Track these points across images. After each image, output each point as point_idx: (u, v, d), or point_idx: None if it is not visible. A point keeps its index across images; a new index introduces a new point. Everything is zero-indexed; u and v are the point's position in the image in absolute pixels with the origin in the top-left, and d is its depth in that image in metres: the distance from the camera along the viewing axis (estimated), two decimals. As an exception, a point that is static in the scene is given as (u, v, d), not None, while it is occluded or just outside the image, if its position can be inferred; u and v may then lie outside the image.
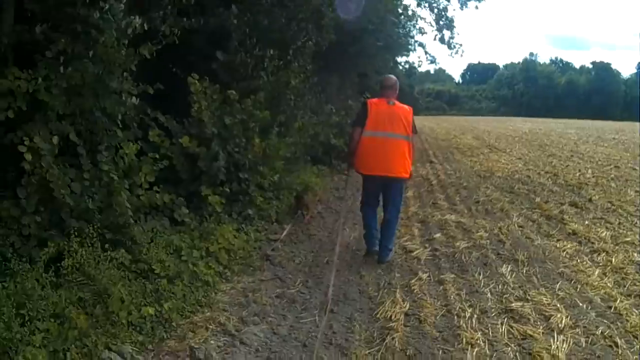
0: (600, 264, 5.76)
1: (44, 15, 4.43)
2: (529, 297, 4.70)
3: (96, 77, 4.55)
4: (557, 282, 5.12)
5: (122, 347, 3.43)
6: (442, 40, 24.48)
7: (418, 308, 4.46)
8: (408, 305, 4.49)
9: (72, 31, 4.47)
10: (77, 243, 4.01)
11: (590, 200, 9.46)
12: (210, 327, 3.91)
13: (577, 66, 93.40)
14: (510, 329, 4.07)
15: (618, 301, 4.64)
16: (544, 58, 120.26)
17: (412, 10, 23.10)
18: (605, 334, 4.02)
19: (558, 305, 4.52)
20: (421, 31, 26.51)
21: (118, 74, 4.80)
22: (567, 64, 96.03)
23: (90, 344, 3.37)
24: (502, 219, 7.80)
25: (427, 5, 23.59)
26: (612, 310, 4.50)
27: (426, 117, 51.28)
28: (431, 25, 24.49)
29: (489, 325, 4.14)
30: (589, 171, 13.42)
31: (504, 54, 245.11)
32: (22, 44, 4.37)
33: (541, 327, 4.11)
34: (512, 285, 5.00)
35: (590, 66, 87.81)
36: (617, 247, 6.38)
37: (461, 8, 24.10)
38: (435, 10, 23.77)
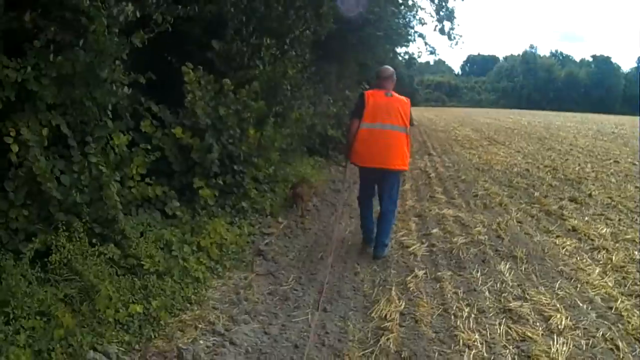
0: (601, 262, 5.67)
1: (32, 3, 4.29)
2: (527, 296, 4.61)
3: (87, 66, 4.41)
4: (557, 281, 5.02)
5: (108, 347, 3.34)
6: (442, 31, 24.40)
7: (414, 307, 4.36)
8: (404, 304, 4.38)
9: (61, 19, 4.33)
10: (65, 237, 3.93)
11: (589, 195, 9.37)
12: (200, 326, 3.81)
13: (577, 59, 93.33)
14: (509, 330, 3.97)
15: (619, 301, 4.55)
16: (544, 50, 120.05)
17: (413, 1, 22.90)
18: (607, 336, 3.93)
19: (558, 305, 4.43)
20: (421, 22, 26.50)
21: (109, 63, 4.65)
22: (567, 56, 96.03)
23: (75, 343, 3.29)
24: (501, 213, 7.70)
25: (427, -4, 23.40)
26: (612, 310, 4.41)
27: (425, 109, 51.27)
28: (431, 16, 24.40)
29: (487, 325, 4.04)
30: (589, 165, 13.33)
31: (504, 45, 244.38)
32: (10, 32, 4.21)
33: (540, 328, 4.02)
34: (510, 284, 4.90)
35: (591, 59, 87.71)
36: (617, 245, 6.28)
37: (462, -1, 23.93)
38: (436, 1, 23.61)
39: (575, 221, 7.33)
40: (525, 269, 5.35)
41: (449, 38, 24.57)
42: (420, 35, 29.22)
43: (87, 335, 3.38)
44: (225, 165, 6.34)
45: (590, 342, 3.84)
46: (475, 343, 3.75)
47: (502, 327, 4.00)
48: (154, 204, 5.29)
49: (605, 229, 6.98)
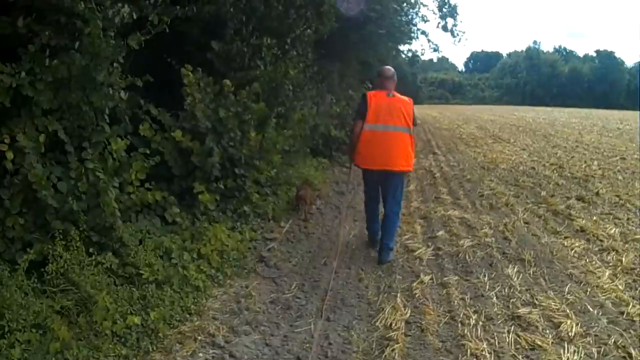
0: (610, 264, 5.54)
1: (26, 7, 4.20)
2: (536, 302, 4.48)
3: (83, 69, 4.32)
4: (566, 285, 4.90)
5: (104, 362, 3.23)
6: (445, 27, 24.22)
7: (420, 315, 4.24)
8: (409, 312, 4.26)
9: (56, 22, 4.26)
10: (62, 246, 3.86)
11: (597, 194, 9.24)
12: (199, 338, 3.71)
13: (581, 54, 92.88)
14: (518, 338, 3.85)
15: (630, 306, 4.42)
16: (547, 46, 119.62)
17: (415, -2, 22.74)
18: (618, 343, 3.80)
19: (567, 310, 4.30)
20: (424, 19, 26.30)
21: (106, 66, 4.55)
22: (571, 52, 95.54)
23: (71, 357, 3.23)
24: (507, 214, 7.57)
25: (430, -8, 23.26)
26: (624, 316, 4.28)
27: (429, 106, 51.12)
28: (434, 13, 24.28)
29: (495, 333, 3.92)
30: (595, 163, 13.19)
31: (508, 41, 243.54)
32: (4, 37, 4.13)
33: (550, 335, 3.90)
34: (518, 289, 4.77)
35: (594, 54, 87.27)
36: (626, 246, 6.16)
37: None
38: (438, -2, 23.42)
39: (583, 221, 7.20)
40: (533, 272, 5.23)
41: (452, 35, 24.44)
42: (423, 33, 28.95)
43: (84, 348, 3.30)
44: (226, 169, 6.24)
45: (602, 350, 3.71)
46: (483, 353, 3.62)
47: (510, 335, 3.87)
48: (154, 210, 5.21)
49: (614, 229, 6.85)
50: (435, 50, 37.65)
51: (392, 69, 5.84)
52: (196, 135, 5.93)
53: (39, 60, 4.11)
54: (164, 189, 5.38)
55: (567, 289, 4.78)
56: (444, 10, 23.72)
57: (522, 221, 7.17)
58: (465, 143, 17.78)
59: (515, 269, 5.26)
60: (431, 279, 5.02)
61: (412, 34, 25.17)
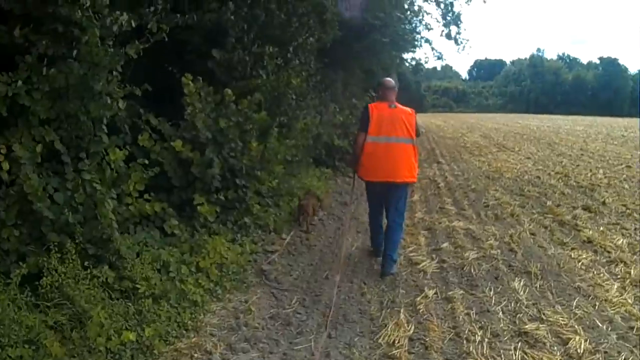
0: (619, 277, 5.41)
1: (23, 16, 4.13)
2: (544, 317, 4.36)
3: (80, 78, 4.26)
4: (574, 299, 4.78)
5: (97, 380, 3.13)
6: (448, 36, 24.25)
7: (424, 331, 4.11)
8: (413, 328, 4.14)
9: (53, 31, 4.19)
10: (57, 259, 3.77)
11: (603, 203, 9.11)
12: (195, 355, 3.60)
13: (585, 62, 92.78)
14: (525, 356, 3.74)
15: (640, 321, 4.30)
16: (551, 54, 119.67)
17: (419, 6, 22.80)
18: (629, 360, 3.68)
19: (576, 326, 4.18)
20: (427, 27, 26.32)
21: (104, 75, 4.48)
22: (574, 59, 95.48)
23: (63, 375, 3.09)
24: (513, 225, 7.45)
25: (433, 0, 23.25)
26: (634, 331, 4.16)
27: (433, 115, 50.92)
28: (437, 21, 24.30)
29: (501, 351, 3.80)
30: (600, 171, 13.05)
31: (511, 49, 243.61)
32: (1, 46, 4.08)
33: (558, 353, 3.78)
34: (525, 303, 4.65)
35: (598, 62, 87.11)
36: (635, 257, 6.02)
37: (467, 2, 23.76)
38: (442, 5, 23.43)
39: (590, 232, 7.07)
40: (540, 285, 5.11)
41: (456, 43, 24.48)
42: (427, 41, 29.08)
43: (77, 365, 3.20)
44: (227, 180, 6.14)
45: (613, 368, 3.60)
46: (490, 371, 3.51)
47: (517, 353, 3.76)
48: (153, 222, 5.13)
49: (621, 240, 6.73)
50: (439, 58, 37.77)
51: (393, 81, 5.87)
52: (196, 146, 5.85)
53: (36, 69, 4.07)
54: (164, 200, 5.30)
55: (575, 303, 4.66)
56: (448, 18, 23.77)
57: (528, 232, 7.05)
58: (469, 152, 17.68)
59: (522, 282, 5.14)
60: (435, 293, 4.91)
61: (416, 42, 25.22)
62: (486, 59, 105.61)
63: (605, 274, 5.50)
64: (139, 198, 4.93)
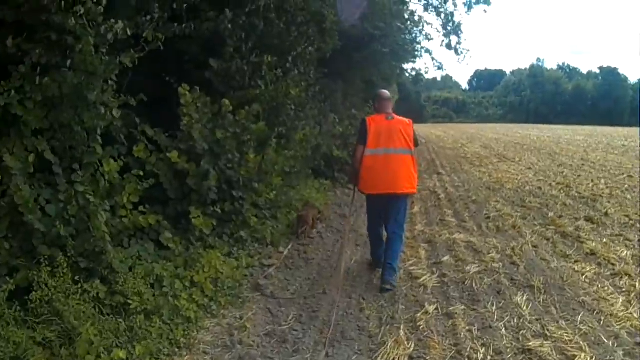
0: (624, 290, 5.29)
1: (16, 24, 4.07)
2: (548, 333, 4.23)
3: (74, 88, 4.19)
4: (579, 314, 4.64)
5: (84, 402, 3.01)
6: (449, 46, 24.24)
7: (424, 349, 3.98)
8: (413, 346, 4.00)
9: (46, 40, 4.13)
10: (48, 273, 3.67)
11: (606, 214, 8.99)
12: (188, 375, 3.48)
13: (585, 71, 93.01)
14: (529, 375, 3.61)
15: (646, 337, 4.17)
16: (551, 64, 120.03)
17: (419, 16, 22.81)
18: (636, 379, 3.56)
19: (581, 342, 4.04)
20: (428, 37, 26.33)
21: (98, 85, 4.40)
22: (575, 69, 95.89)
23: (49, 395, 2.98)
24: (515, 237, 7.33)
25: (434, 10, 23.26)
26: (640, 347, 4.03)
27: (433, 125, 50.94)
28: (438, 31, 24.30)
29: (505, 369, 3.68)
30: (602, 181, 12.95)
31: (511, 59, 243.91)
32: (-7, 55, 4.00)
33: (563, 371, 3.65)
34: (528, 319, 4.52)
35: (598, 71, 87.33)
36: (639, 270, 5.90)
37: (467, 11, 23.80)
38: (442, 15, 23.44)
39: (593, 243, 6.95)
40: (543, 300, 4.98)
41: (456, 53, 24.48)
42: (427, 51, 29.16)
43: (64, 385, 3.09)
44: (224, 192, 6.05)
45: (620, 386, 3.48)
46: (493, 391, 3.39)
47: (521, 371, 3.64)
48: (147, 234, 5.03)
49: (625, 252, 6.60)
50: (440, 68, 37.86)
51: (388, 92, 5.99)
52: (193, 157, 5.77)
53: (29, 78, 4.01)
54: (159, 213, 5.21)
55: (579, 318, 4.53)
56: (448, 28, 23.77)
57: (530, 244, 6.93)
58: (470, 162, 17.59)
59: (525, 297, 5.02)
60: (436, 308, 4.77)
61: (416, 52, 25.25)
62: (486, 69, 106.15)
63: (610, 287, 5.37)
64: (133, 210, 4.85)
